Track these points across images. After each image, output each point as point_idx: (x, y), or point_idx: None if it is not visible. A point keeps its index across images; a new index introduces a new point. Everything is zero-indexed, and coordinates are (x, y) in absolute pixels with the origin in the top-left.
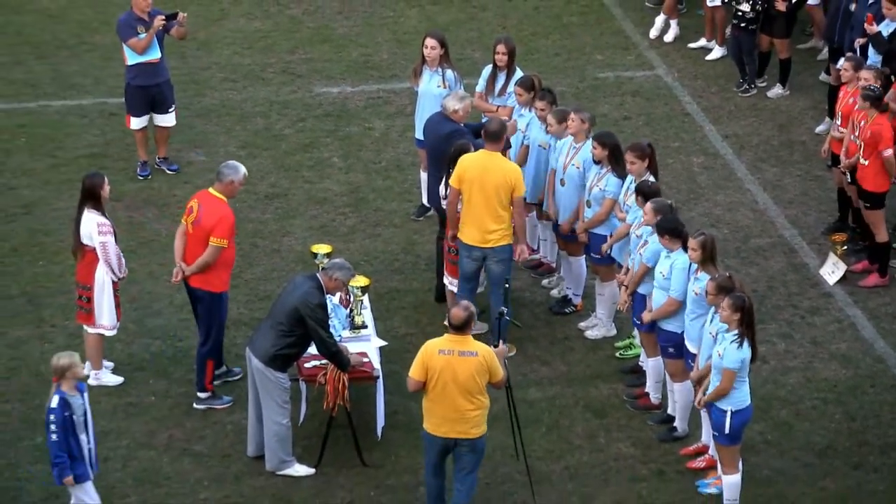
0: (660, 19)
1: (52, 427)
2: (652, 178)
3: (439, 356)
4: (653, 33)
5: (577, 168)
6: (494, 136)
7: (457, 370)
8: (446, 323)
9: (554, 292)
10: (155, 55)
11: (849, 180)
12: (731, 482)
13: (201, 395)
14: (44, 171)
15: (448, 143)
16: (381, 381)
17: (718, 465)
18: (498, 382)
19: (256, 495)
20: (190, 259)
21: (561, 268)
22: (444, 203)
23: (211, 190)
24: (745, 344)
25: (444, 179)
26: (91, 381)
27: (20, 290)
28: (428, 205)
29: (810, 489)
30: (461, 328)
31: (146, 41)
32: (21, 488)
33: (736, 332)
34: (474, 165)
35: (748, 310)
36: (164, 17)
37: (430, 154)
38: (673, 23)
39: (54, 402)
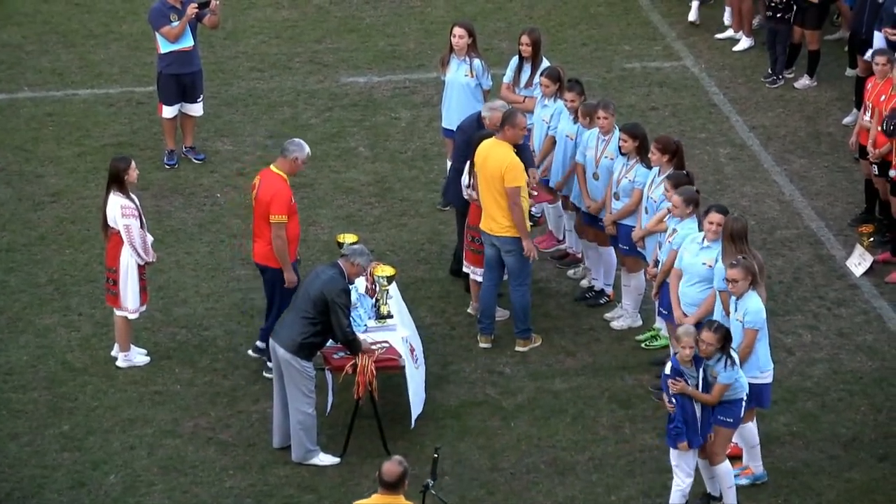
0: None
1: None
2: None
3: None
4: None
5: (611, 159)
6: (504, 123)
7: None
8: (378, 480)
9: (583, 283)
10: (188, 43)
11: (877, 172)
12: (728, 469)
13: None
14: (71, 159)
15: (461, 136)
16: (408, 371)
17: (744, 456)
18: None
19: (282, 484)
20: (255, 234)
21: (586, 258)
22: (464, 192)
23: (272, 166)
24: (736, 360)
25: (468, 168)
26: (120, 363)
27: (47, 279)
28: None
29: (835, 481)
30: (394, 486)
31: (179, 29)
32: (47, 476)
33: (719, 357)
34: (481, 152)
35: (728, 334)
36: (196, 6)
37: (455, 142)
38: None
39: (666, 368)
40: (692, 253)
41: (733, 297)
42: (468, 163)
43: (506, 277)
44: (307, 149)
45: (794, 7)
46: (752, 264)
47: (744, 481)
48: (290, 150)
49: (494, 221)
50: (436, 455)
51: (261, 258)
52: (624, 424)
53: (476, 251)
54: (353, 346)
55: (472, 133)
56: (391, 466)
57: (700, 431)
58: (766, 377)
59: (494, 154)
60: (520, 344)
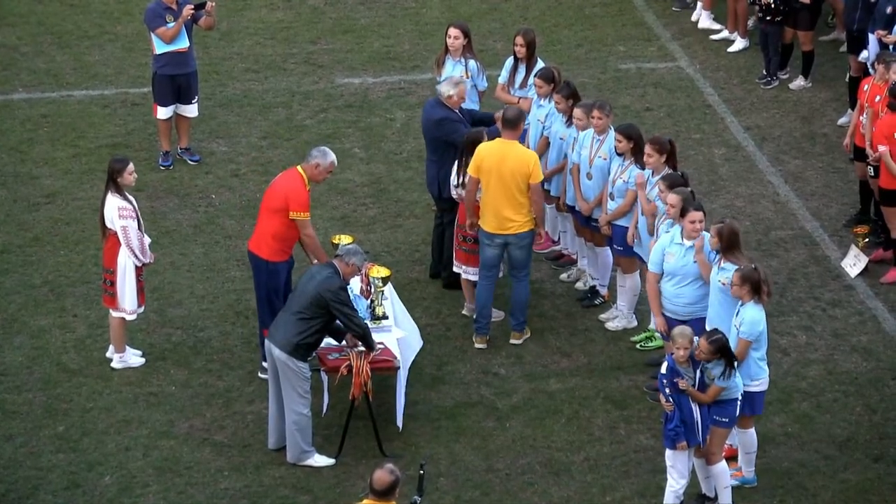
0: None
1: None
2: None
3: None
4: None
5: (605, 159)
6: (511, 123)
7: None
8: (369, 486)
9: (579, 284)
10: (183, 44)
11: (872, 174)
12: (724, 469)
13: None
14: (66, 160)
15: (438, 129)
16: (402, 372)
17: (740, 458)
18: None
19: (276, 485)
20: (257, 226)
21: (579, 260)
22: (453, 192)
23: (298, 167)
24: (735, 370)
25: (456, 168)
26: (115, 364)
27: (42, 280)
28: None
29: (831, 481)
30: (384, 494)
31: (175, 30)
32: (42, 477)
33: (720, 362)
34: (492, 154)
35: (722, 347)
36: (192, 7)
37: (425, 139)
38: (700, 6)
39: (663, 367)
40: (678, 255)
41: (738, 303)
42: (457, 162)
43: (501, 275)
44: (331, 157)
45: (784, 8)
46: (754, 276)
47: (732, 482)
48: (312, 156)
49: (510, 220)
50: (421, 471)
51: (251, 245)
52: (619, 425)
53: (468, 250)
54: (368, 338)
55: (432, 122)
56: (382, 475)
57: (698, 432)
58: (757, 385)
59: (513, 153)
60: (515, 336)
